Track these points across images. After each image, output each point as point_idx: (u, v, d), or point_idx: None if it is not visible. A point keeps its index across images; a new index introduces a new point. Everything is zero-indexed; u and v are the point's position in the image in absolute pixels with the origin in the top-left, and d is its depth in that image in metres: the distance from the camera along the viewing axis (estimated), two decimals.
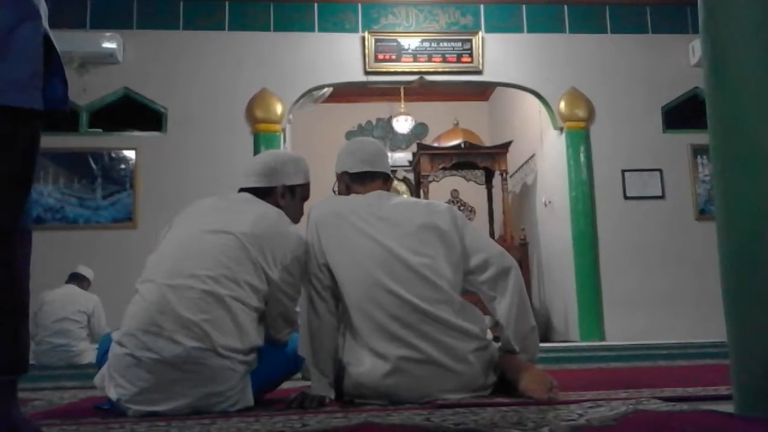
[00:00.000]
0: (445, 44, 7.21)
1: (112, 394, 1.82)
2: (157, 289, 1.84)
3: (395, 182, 10.20)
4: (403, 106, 9.15)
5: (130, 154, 6.71)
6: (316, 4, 7.09)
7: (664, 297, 6.77)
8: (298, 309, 2.06)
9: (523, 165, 8.80)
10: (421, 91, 8.30)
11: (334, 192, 2.26)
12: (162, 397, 1.78)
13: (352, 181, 2.19)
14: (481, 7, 7.28)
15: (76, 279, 5.44)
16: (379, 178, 2.20)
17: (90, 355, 4.93)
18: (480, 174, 8.66)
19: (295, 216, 2.19)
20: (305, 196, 2.24)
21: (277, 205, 2.12)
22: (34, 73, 1.17)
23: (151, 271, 1.92)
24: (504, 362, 2.01)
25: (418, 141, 8.98)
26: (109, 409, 1.89)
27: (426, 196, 7.46)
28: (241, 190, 2.17)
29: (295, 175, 2.19)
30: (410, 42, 7.18)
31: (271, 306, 1.97)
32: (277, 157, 2.24)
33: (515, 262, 2.13)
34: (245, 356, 1.87)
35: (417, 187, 8.54)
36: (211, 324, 1.80)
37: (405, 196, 9.08)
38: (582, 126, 7.16)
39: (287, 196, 2.17)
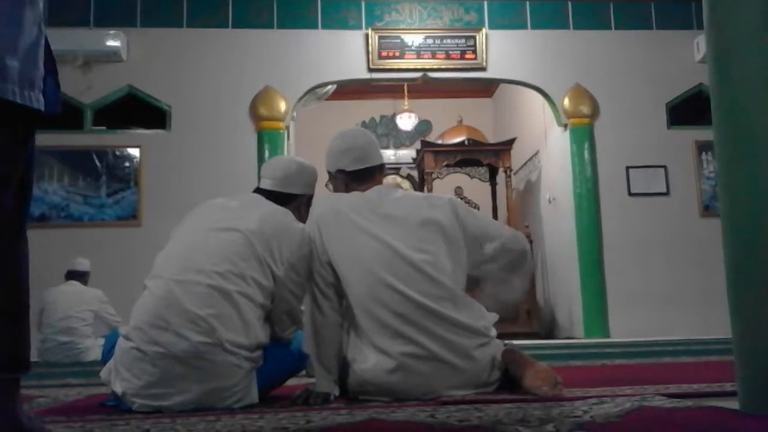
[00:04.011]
0: (449, 41, 7.20)
1: (118, 387, 1.83)
2: (164, 284, 1.86)
3: (399, 179, 10.20)
4: (406, 103, 9.15)
5: (135, 152, 6.73)
6: (319, 2, 7.09)
7: (668, 294, 6.76)
8: (303, 308, 2.06)
9: (527, 162, 8.79)
10: (424, 88, 8.30)
11: (327, 188, 2.25)
12: (167, 392, 1.79)
13: (351, 180, 2.17)
14: (485, 3, 7.27)
15: (76, 275, 5.44)
16: (376, 172, 2.19)
17: (95, 352, 4.96)
18: (484, 171, 8.65)
19: (305, 218, 2.20)
20: (311, 202, 2.27)
21: (297, 212, 2.14)
22: (41, 73, 1.17)
23: (160, 267, 1.94)
24: (508, 358, 2.01)
25: (421, 138, 8.98)
26: (114, 405, 1.90)
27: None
28: (257, 190, 2.18)
29: (314, 185, 2.25)
30: (414, 39, 7.18)
31: (277, 304, 1.98)
32: (303, 166, 2.24)
33: (527, 242, 2.17)
34: (251, 353, 1.87)
35: (421, 184, 8.55)
36: (217, 319, 1.81)
37: (406, 188, 9.06)
38: (586, 122, 7.16)
39: (303, 206, 2.20)
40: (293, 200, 2.16)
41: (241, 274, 1.89)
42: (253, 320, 1.88)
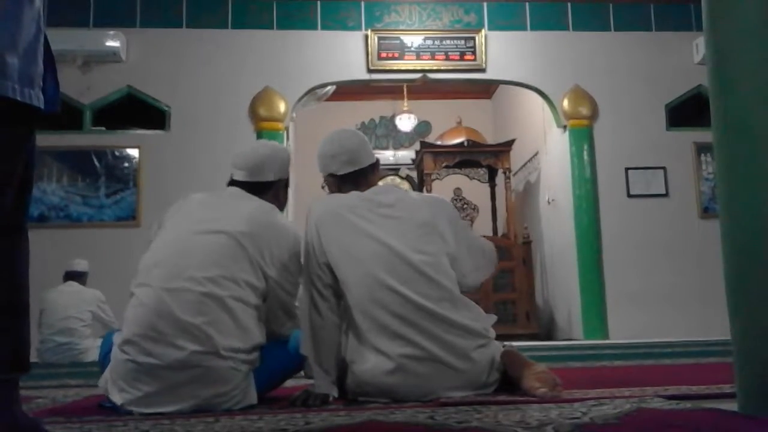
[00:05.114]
0: (448, 42, 7.20)
1: (117, 398, 1.81)
2: (154, 294, 1.82)
3: (398, 180, 10.21)
4: (406, 104, 9.15)
5: (134, 152, 6.72)
6: (318, 2, 7.09)
7: (667, 295, 6.76)
8: (297, 303, 2.05)
9: (526, 163, 8.79)
10: (424, 89, 8.30)
11: (322, 189, 2.23)
12: (166, 400, 1.77)
13: (342, 183, 2.16)
14: (485, 4, 7.28)
15: (75, 276, 5.43)
16: (369, 173, 2.18)
17: (94, 353, 4.95)
18: (483, 172, 8.66)
19: (285, 203, 2.19)
20: (289, 183, 2.24)
21: (276, 200, 2.11)
22: (40, 71, 1.17)
23: (147, 274, 1.89)
24: (507, 359, 2.01)
25: (421, 139, 8.98)
26: (112, 407, 1.89)
27: None
28: (232, 183, 2.13)
29: (288, 166, 2.19)
30: (413, 40, 7.18)
31: (271, 302, 1.96)
32: (273, 150, 2.17)
33: (492, 268, 2.23)
34: (248, 355, 1.86)
35: (420, 185, 8.55)
36: (212, 326, 1.78)
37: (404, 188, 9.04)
38: (585, 124, 7.16)
39: (282, 189, 2.16)
40: (270, 188, 2.12)
41: (233, 277, 1.86)
42: (248, 323, 1.87)
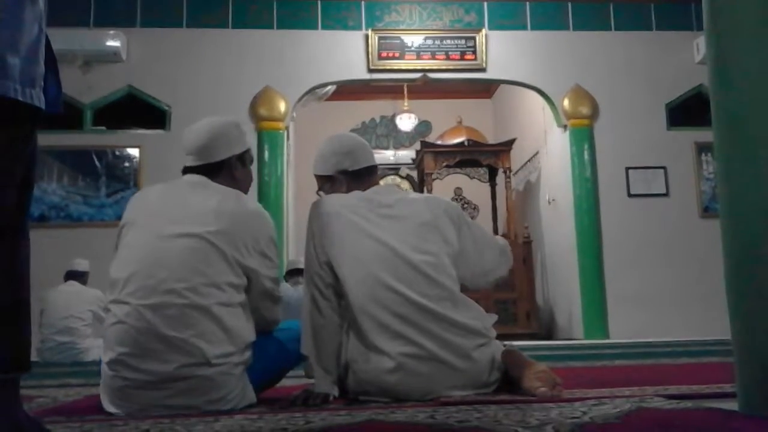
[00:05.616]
0: (449, 42, 7.21)
1: (112, 410, 1.79)
2: (135, 312, 1.74)
3: (398, 180, 10.22)
4: (406, 103, 9.16)
5: (134, 152, 6.73)
6: (319, 2, 7.10)
7: (668, 295, 6.76)
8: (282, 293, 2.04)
9: (526, 162, 8.79)
10: (424, 88, 8.31)
11: (318, 195, 2.20)
12: (163, 412, 1.75)
13: (352, 180, 2.16)
14: (485, 4, 7.28)
15: (76, 276, 5.43)
16: (373, 173, 2.21)
17: (95, 352, 4.96)
18: (483, 171, 8.66)
19: (248, 183, 2.10)
20: (252, 160, 2.13)
21: (232, 179, 2.01)
22: (42, 71, 1.17)
23: (121, 289, 1.79)
24: (507, 359, 2.01)
25: (421, 139, 8.99)
26: None
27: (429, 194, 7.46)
28: (187, 169, 2.03)
29: (240, 140, 2.05)
30: (413, 39, 7.18)
31: (255, 291, 1.92)
32: (217, 127, 2.02)
33: (508, 264, 2.26)
34: (240, 356, 1.83)
35: (420, 185, 8.56)
36: (200, 338, 1.75)
37: (405, 189, 9.03)
38: (586, 123, 7.16)
39: (238, 166, 2.05)
40: (222, 167, 2.01)
41: (214, 283, 1.79)
42: (237, 324, 1.83)
